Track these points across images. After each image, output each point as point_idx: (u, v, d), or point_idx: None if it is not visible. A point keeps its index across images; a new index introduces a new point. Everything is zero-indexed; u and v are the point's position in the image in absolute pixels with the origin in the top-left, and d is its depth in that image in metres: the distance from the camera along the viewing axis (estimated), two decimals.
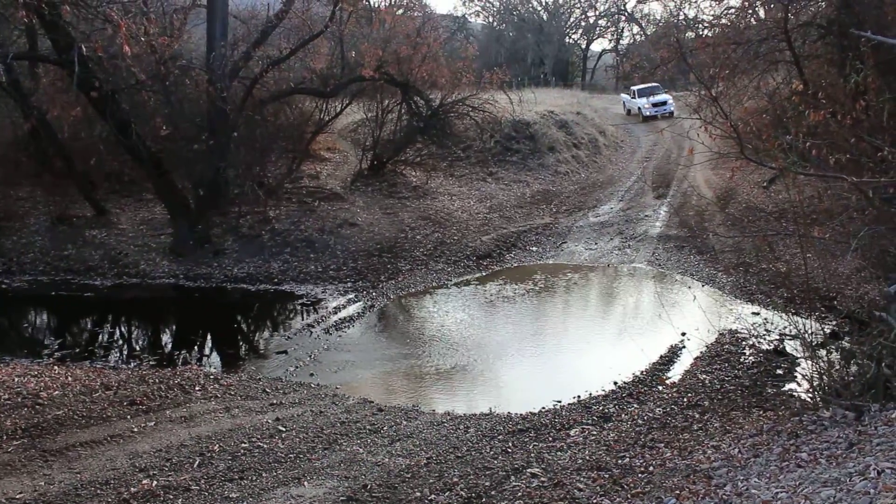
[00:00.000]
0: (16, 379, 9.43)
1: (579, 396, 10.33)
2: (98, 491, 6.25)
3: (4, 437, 7.38)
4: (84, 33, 15.20)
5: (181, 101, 18.80)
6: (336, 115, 24.74)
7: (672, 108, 37.31)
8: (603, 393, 10.41)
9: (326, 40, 22.55)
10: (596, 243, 19.47)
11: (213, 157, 18.53)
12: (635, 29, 61.49)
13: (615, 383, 10.82)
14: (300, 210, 20.50)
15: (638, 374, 11.15)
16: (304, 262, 18.03)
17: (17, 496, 6.05)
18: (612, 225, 20.94)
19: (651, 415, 9.17)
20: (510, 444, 8.19)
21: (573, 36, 64.82)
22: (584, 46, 65.98)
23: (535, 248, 19.33)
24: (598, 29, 64.78)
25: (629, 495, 6.02)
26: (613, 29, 64.71)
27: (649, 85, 37.39)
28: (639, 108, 38.86)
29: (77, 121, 19.68)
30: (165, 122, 17.95)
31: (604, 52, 66.55)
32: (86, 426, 7.92)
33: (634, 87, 39.40)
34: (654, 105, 38.24)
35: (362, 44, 22.78)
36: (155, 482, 6.50)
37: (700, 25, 21.25)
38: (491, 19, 62.43)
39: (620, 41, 64.70)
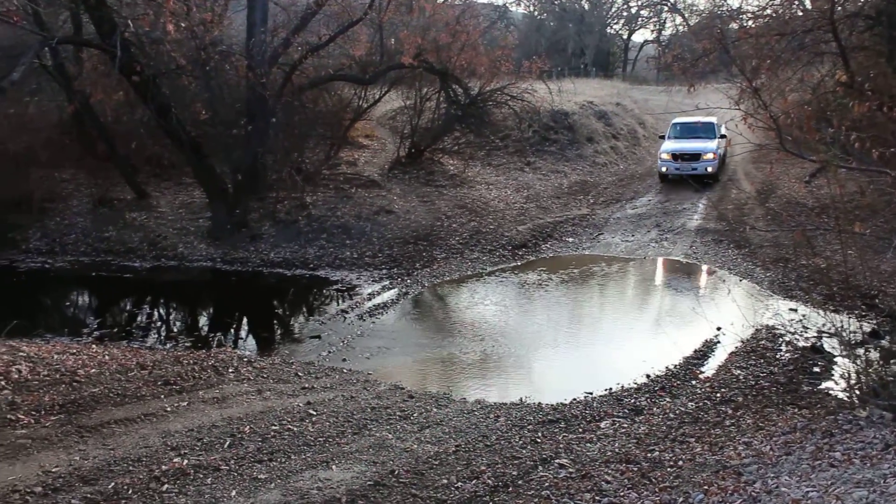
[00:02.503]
0: (55, 356, 9.58)
1: (611, 389, 10.26)
2: (130, 467, 6.35)
3: (43, 412, 7.52)
4: (126, 18, 15.37)
5: (221, 87, 18.94)
6: (374, 102, 24.77)
7: (713, 166, 23.68)
8: (635, 386, 10.33)
9: (366, 27, 22.54)
10: (633, 235, 19.32)
11: (252, 143, 18.66)
12: (678, 19, 60.68)
13: (648, 376, 10.73)
14: (337, 196, 20.59)
15: (671, 367, 11.05)
16: (340, 248, 18.11)
17: (53, 469, 6.16)
18: (650, 217, 20.76)
19: (683, 409, 9.09)
20: (539, 435, 8.16)
21: (614, 26, 64.21)
22: (625, 37, 65.36)
23: (571, 239, 19.23)
24: (639, 19, 64.08)
25: (657, 489, 5.97)
26: (655, 19, 63.95)
27: (696, 119, 24.25)
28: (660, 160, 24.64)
29: (119, 105, 19.97)
30: (205, 107, 18.11)
31: (645, 42, 65.84)
32: (120, 404, 8.04)
33: (677, 120, 25.35)
34: (680, 158, 23.89)
35: (401, 31, 22.73)
36: (186, 461, 6.58)
37: (744, 16, 20.86)
38: (532, 8, 61.95)
39: (663, 32, 63.96)
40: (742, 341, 11.91)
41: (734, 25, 20.09)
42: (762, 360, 11.03)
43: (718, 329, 12.48)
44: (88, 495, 5.76)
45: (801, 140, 10.27)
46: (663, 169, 24.27)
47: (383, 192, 21.34)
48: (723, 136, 24.11)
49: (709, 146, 24.03)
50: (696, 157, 23.87)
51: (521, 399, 9.87)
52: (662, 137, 26.04)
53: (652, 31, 65.75)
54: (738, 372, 10.66)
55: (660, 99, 38.82)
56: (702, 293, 15.29)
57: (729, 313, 12.60)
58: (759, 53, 16.60)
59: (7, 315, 11.81)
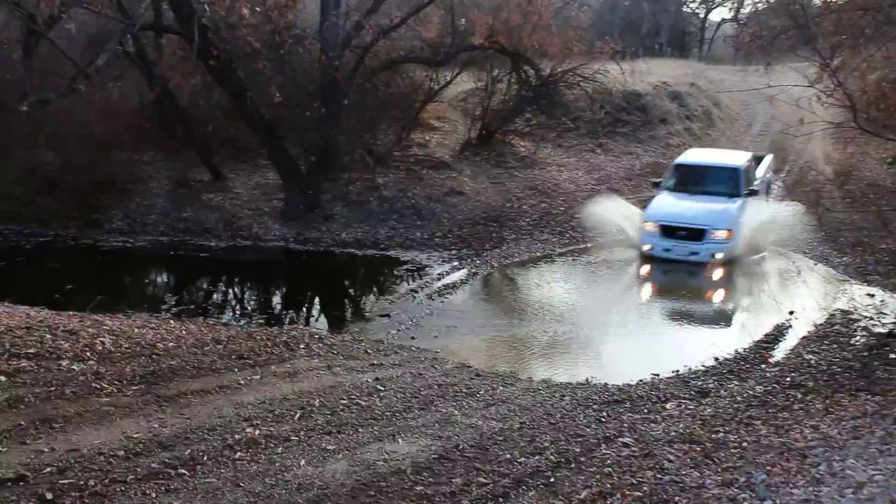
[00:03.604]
0: (136, 330, 9.97)
1: (678, 371, 10.20)
2: (205, 436, 6.60)
3: (124, 382, 7.85)
4: (203, 4, 15.74)
5: (295, 70, 19.27)
6: (446, 84, 24.80)
7: (725, 250, 15.37)
8: (703, 368, 10.26)
9: (437, 9, 22.59)
10: None
11: (325, 125, 18.95)
12: None
13: (716, 359, 10.63)
14: (408, 178, 20.77)
15: (741, 351, 10.93)
16: (411, 228, 18.29)
17: (134, 435, 6.45)
18: None
19: (751, 392, 8.99)
20: (604, 414, 8.19)
21: (691, 5, 62.79)
22: (702, 16, 63.86)
23: None
24: None
25: (719, 469, 5.96)
26: None
27: (712, 162, 17.85)
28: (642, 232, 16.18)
29: (196, 89, 20.48)
30: (279, 91, 18.41)
31: (723, 21, 64.23)
32: (196, 376, 8.34)
33: (684, 159, 18.27)
34: (675, 233, 15.63)
35: (472, 12, 22.72)
36: (258, 431, 6.81)
37: None
38: None
39: (741, 10, 62.29)
40: (815, 326, 11.69)
41: (816, 1, 19.50)
42: (835, 346, 10.83)
43: (791, 313, 12.27)
44: (166, 460, 6.02)
45: (880, 120, 10.00)
46: (646, 246, 15.74)
47: (454, 173, 21.44)
48: (751, 193, 16.42)
49: (723, 215, 15.51)
50: (698, 234, 15.27)
51: (587, 379, 9.90)
52: (657, 185, 17.30)
53: (730, 9, 64.06)
54: (810, 356, 10.49)
55: (736, 79, 37.85)
56: (774, 277, 15.02)
57: (802, 297, 12.38)
58: (841, 30, 16.08)
59: (91, 291, 12.34)
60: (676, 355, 10.87)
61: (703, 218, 15.53)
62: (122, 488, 5.50)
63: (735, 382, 9.49)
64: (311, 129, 19.06)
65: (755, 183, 17.08)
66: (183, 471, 5.86)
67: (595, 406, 8.52)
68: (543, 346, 11.73)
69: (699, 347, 11.12)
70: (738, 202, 16.00)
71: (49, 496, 5.28)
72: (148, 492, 5.49)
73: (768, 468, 5.71)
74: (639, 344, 12.12)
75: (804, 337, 11.31)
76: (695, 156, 18.49)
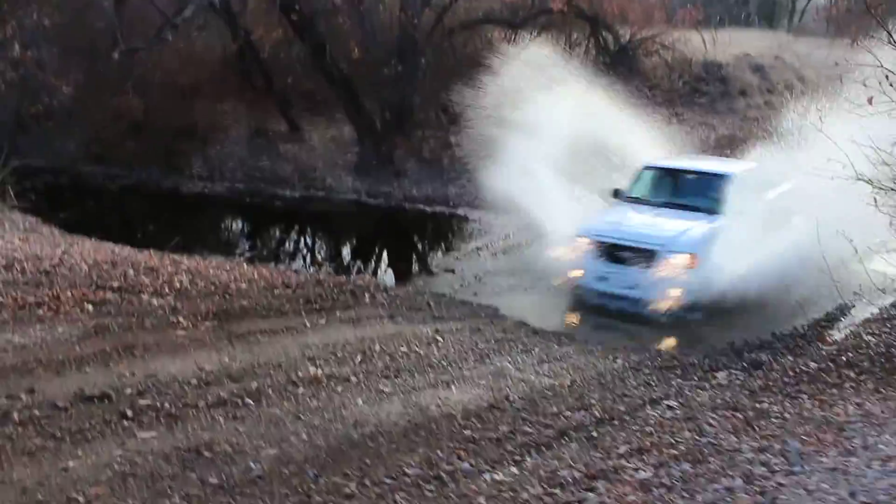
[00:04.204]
0: (211, 271, 10.53)
1: (734, 342, 10.27)
2: (271, 371, 7.04)
3: (199, 318, 8.37)
4: None
5: (374, 27, 19.56)
6: (525, 46, 24.80)
7: (671, 296, 10.69)
8: (758, 342, 10.31)
9: None
10: None
11: (401, 83, 19.25)
12: None
13: (773, 334, 10.65)
14: (481, 137, 20.91)
15: (799, 328, 10.92)
16: (480, 188, 18.50)
17: (206, 367, 6.94)
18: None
19: (803, 368, 9.01)
20: (654, 378, 8.38)
21: None
22: None
23: None
24: None
25: (757, 436, 6.12)
26: None
27: (697, 167, 13.45)
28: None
29: (278, 42, 20.95)
30: (358, 47, 18.77)
31: None
32: (265, 317, 8.82)
33: (658, 161, 13.53)
34: (615, 253, 11.17)
35: None
36: (320, 371, 7.22)
37: None
38: None
39: None
40: (880, 308, 11.58)
41: None
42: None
43: (855, 294, 12.15)
44: (234, 391, 6.47)
45: None
46: (574, 273, 11.38)
47: None
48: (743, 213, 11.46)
49: (686, 234, 11.15)
50: (646, 258, 10.91)
51: (642, 345, 10.07)
52: (616, 194, 12.73)
53: None
54: (870, 338, 10.42)
55: (822, 53, 36.66)
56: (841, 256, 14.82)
57: (866, 278, 12.24)
58: None
59: (171, 232, 12.97)
60: (734, 329, 10.89)
61: (655, 234, 11.02)
62: (194, 412, 5.96)
63: (789, 357, 9.52)
64: (387, 86, 19.38)
65: (756, 202, 11.78)
66: (249, 401, 6.29)
67: (646, 370, 8.70)
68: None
69: (757, 322, 11.13)
70: (716, 220, 11.33)
71: (129, 413, 5.77)
72: (217, 417, 5.93)
73: (804, 438, 5.87)
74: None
75: (866, 319, 11.23)
76: (679, 161, 13.87)
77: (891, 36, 8.35)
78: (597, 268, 11.11)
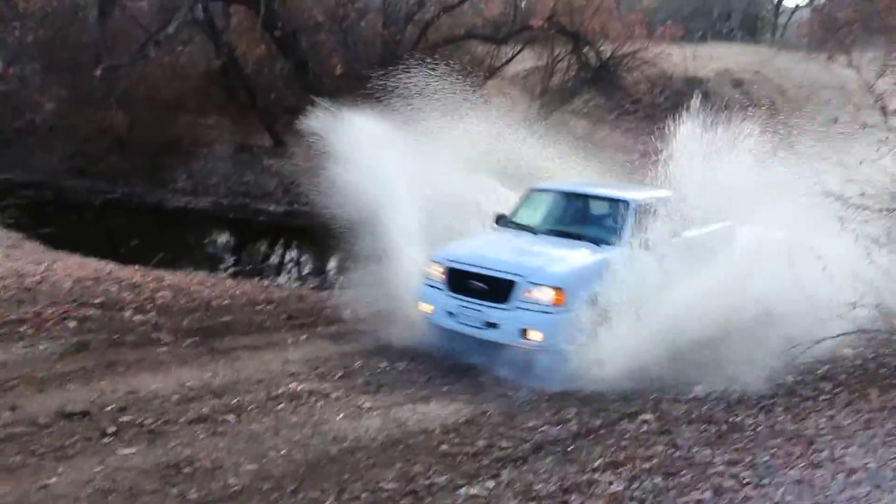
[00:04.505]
0: (193, 287, 10.61)
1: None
2: (252, 387, 7.12)
3: (181, 335, 8.46)
4: None
5: (357, 43, 19.72)
6: (507, 61, 25.04)
7: (550, 327, 8.27)
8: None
9: None
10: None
11: (385, 98, 19.37)
12: None
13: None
14: None
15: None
16: None
17: (188, 383, 7.02)
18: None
19: (780, 381, 9.17)
20: (631, 392, 8.49)
21: None
22: (775, 1, 62.57)
23: None
24: None
25: (730, 449, 6.26)
26: None
27: (594, 191, 10.55)
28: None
29: (261, 58, 21.08)
30: (341, 63, 18.92)
31: (797, 7, 62.82)
32: (247, 333, 8.92)
33: (551, 184, 11.01)
34: (468, 283, 8.73)
35: None
36: (301, 386, 7.30)
37: None
38: None
39: None
40: (854, 323, 11.71)
41: None
42: (880, 343, 10.87)
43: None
44: (215, 407, 6.55)
45: None
46: (425, 307, 9.21)
47: None
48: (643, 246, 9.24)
49: (557, 264, 8.89)
50: (502, 290, 8.61)
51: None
52: (499, 220, 10.33)
53: None
54: (847, 351, 10.58)
55: (803, 68, 37.04)
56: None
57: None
58: None
59: (154, 248, 13.03)
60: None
61: (516, 262, 8.84)
62: (175, 428, 6.04)
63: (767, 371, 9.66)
64: (371, 101, 19.49)
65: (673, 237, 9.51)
66: (229, 417, 6.38)
67: (626, 384, 8.81)
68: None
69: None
70: (604, 252, 9.11)
71: (110, 430, 5.85)
72: (197, 433, 6.02)
73: (773, 451, 6.01)
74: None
75: (844, 333, 11.38)
76: (574, 185, 11.22)
77: (850, 61, 8.53)
78: (446, 300, 8.90)
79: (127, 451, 5.58)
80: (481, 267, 8.79)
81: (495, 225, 10.25)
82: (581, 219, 10.25)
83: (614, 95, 25.36)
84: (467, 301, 8.74)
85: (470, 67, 23.34)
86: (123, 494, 4.94)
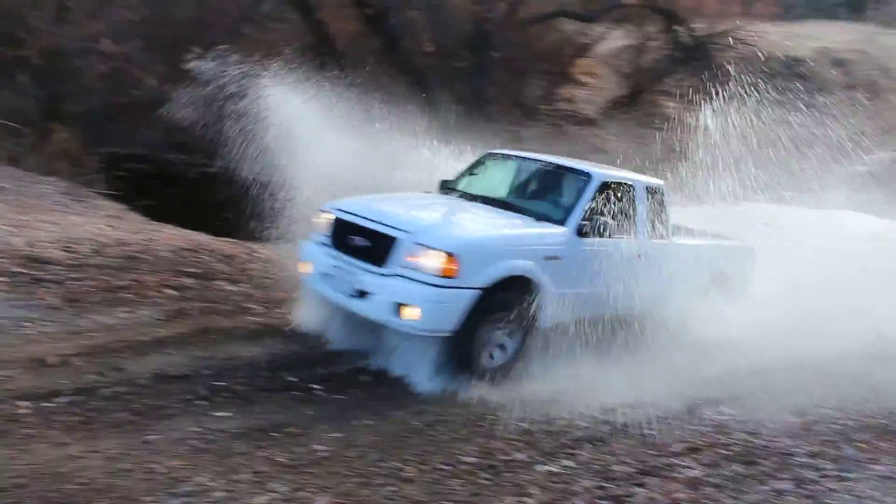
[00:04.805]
0: (283, 259, 10.95)
1: None
2: (336, 360, 7.36)
3: (271, 305, 8.84)
4: None
5: (447, 20, 19.79)
6: (597, 40, 24.75)
7: (433, 306, 6.46)
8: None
9: None
10: (858, 195, 18.31)
11: (474, 76, 19.47)
12: None
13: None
14: (552, 132, 21.00)
15: None
16: None
17: (277, 352, 7.31)
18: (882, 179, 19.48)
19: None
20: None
21: None
22: None
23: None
24: None
25: (817, 440, 6.20)
26: None
27: (553, 161, 8.51)
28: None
29: (352, 35, 21.32)
30: (431, 40, 19.04)
31: None
32: None
33: (504, 149, 9.50)
34: (348, 237, 7.18)
35: None
36: None
37: None
38: None
39: None
40: None
41: None
42: None
43: None
44: (305, 377, 6.81)
45: None
46: (304, 266, 7.74)
47: (598, 130, 21.54)
48: (599, 228, 7.56)
49: (457, 228, 7.24)
50: (382, 248, 6.85)
51: None
52: (443, 186, 8.76)
53: None
54: None
55: None
56: None
57: None
58: None
59: (246, 221, 13.42)
60: None
61: (407, 217, 7.26)
62: (266, 395, 6.32)
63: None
64: (459, 78, 19.62)
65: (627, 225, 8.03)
66: (318, 386, 6.62)
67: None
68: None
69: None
70: (541, 228, 7.46)
71: (204, 393, 6.16)
72: (286, 401, 6.28)
73: (860, 444, 5.94)
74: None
75: None
76: (535, 154, 9.13)
77: None
78: (325, 260, 7.33)
79: (220, 413, 5.87)
80: (365, 219, 7.14)
81: (441, 192, 8.63)
82: (531, 191, 8.52)
83: (707, 75, 24.74)
84: (344, 260, 7.11)
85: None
86: (217, 454, 5.22)
